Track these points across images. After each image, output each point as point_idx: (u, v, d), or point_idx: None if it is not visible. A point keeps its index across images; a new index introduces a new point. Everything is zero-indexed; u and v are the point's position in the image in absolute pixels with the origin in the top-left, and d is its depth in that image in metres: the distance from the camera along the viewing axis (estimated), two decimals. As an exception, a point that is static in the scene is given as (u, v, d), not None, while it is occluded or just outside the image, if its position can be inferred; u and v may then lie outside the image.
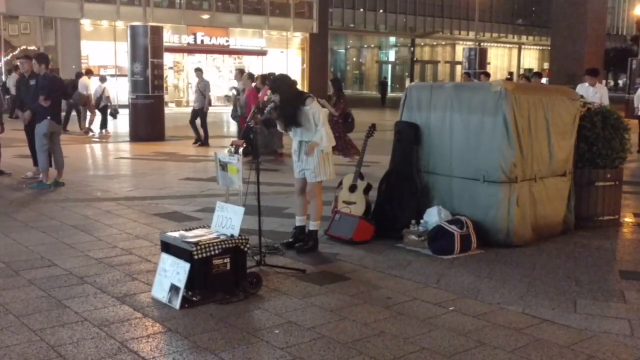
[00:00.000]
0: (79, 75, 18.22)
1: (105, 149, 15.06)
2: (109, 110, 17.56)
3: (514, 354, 3.67)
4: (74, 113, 17.76)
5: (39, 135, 8.93)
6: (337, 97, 10.72)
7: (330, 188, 7.33)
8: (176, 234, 4.61)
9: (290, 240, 5.97)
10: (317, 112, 5.61)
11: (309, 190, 5.82)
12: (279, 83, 5.67)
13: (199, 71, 15.33)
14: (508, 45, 56.85)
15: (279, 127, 6.00)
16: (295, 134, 5.77)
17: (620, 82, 56.52)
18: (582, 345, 3.80)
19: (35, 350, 3.63)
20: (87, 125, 17.68)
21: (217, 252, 4.39)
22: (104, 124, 17.28)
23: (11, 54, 27.80)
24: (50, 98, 8.85)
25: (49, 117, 8.88)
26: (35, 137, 9.00)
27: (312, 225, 5.85)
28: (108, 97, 17.47)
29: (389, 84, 38.92)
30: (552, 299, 4.63)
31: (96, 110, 17.54)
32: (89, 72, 18.42)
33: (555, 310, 4.38)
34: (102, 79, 17.58)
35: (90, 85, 17.44)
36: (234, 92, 14.01)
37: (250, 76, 13.06)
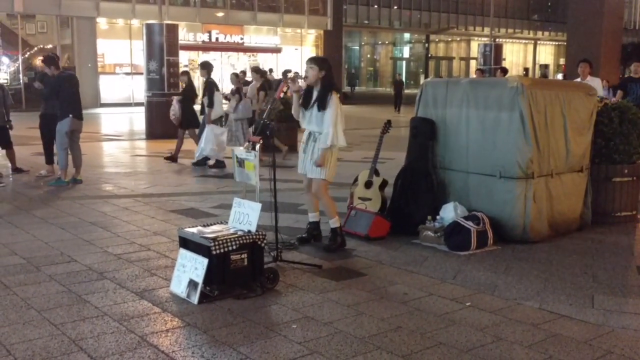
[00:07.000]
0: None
1: (121, 146, 15.18)
2: None
3: (531, 349, 3.67)
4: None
5: (60, 133, 8.92)
6: None
7: (345, 184, 7.35)
8: (194, 230, 4.65)
9: (304, 235, 5.99)
10: (335, 106, 5.58)
11: (315, 190, 5.78)
12: (327, 61, 5.73)
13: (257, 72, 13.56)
14: (523, 41, 56.38)
15: (295, 109, 5.78)
16: (310, 122, 5.68)
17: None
18: (600, 341, 3.80)
19: (57, 344, 3.69)
20: None
21: (234, 247, 4.43)
22: None
23: (28, 53, 28.09)
24: (63, 96, 8.88)
25: (71, 115, 8.89)
26: (57, 135, 9.00)
27: (332, 224, 5.81)
28: None
29: (404, 81, 38.48)
30: (569, 294, 4.62)
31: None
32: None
33: (572, 306, 4.37)
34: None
35: None
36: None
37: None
